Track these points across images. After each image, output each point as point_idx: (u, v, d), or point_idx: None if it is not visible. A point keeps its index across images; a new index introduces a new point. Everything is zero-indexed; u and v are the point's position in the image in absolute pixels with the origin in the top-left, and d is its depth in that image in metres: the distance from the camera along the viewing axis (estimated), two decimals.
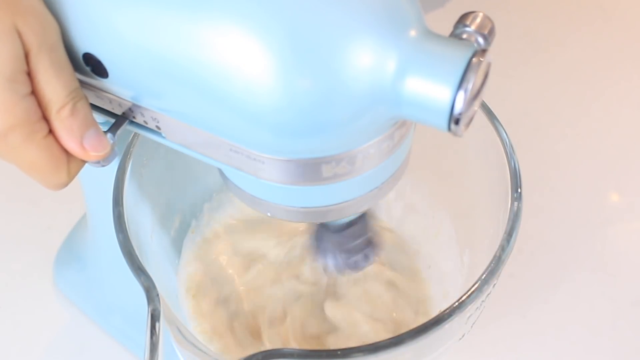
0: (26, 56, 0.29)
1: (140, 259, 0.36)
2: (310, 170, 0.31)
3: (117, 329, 0.52)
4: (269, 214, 0.34)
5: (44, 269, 0.55)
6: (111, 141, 0.33)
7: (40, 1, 0.30)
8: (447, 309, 0.34)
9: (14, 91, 0.28)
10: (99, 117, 0.35)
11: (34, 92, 0.30)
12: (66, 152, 0.31)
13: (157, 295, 0.34)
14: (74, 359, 0.52)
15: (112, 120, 0.34)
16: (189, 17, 0.28)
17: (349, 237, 0.40)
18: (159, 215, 0.44)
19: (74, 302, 0.54)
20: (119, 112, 0.33)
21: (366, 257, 0.41)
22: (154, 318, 0.34)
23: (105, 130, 0.33)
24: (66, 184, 0.32)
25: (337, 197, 0.33)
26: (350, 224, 0.39)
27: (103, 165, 0.33)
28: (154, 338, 0.33)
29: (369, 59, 0.28)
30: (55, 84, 0.30)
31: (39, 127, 0.30)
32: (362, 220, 0.39)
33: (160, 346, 0.33)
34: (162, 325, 0.34)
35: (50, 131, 0.31)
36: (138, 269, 0.36)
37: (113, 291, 0.50)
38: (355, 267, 0.41)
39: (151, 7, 0.28)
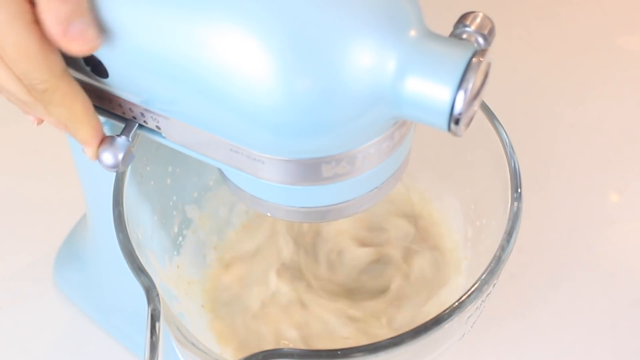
0: None
1: (140, 259, 0.36)
2: (310, 170, 0.31)
3: (117, 328, 0.52)
4: (269, 214, 0.34)
5: (44, 268, 0.55)
6: (128, 143, 0.33)
7: None
8: (447, 308, 0.34)
9: None
10: (99, 118, 0.35)
11: None
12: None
13: (157, 295, 0.35)
14: (74, 358, 0.52)
15: (112, 120, 0.34)
16: (189, 17, 0.28)
17: None
18: (159, 215, 0.45)
19: (74, 301, 0.54)
20: (119, 112, 0.34)
21: None
22: (154, 318, 0.34)
23: (118, 134, 0.33)
24: (52, 84, 0.30)
25: (337, 197, 0.33)
26: None
27: (119, 170, 0.33)
28: (154, 338, 0.34)
29: (369, 59, 0.28)
30: None
31: (26, 8, 0.27)
32: None
33: (160, 346, 0.34)
34: (162, 325, 0.34)
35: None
36: (138, 269, 0.36)
37: (113, 291, 0.50)
38: None
39: (151, 7, 0.28)
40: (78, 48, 0.28)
